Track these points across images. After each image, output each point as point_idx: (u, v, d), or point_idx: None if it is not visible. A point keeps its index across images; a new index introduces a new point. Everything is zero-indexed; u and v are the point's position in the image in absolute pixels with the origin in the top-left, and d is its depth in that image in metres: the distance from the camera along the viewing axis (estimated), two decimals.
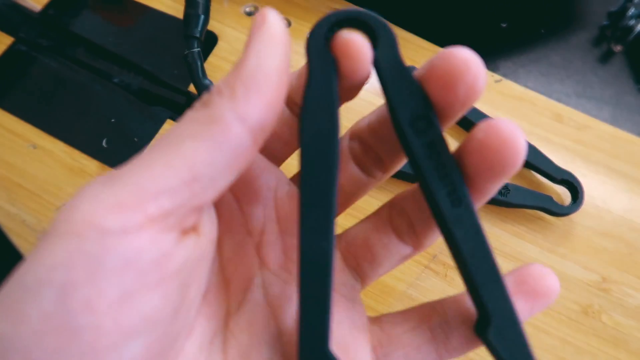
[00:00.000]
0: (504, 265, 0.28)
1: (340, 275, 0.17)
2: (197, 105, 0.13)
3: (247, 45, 0.13)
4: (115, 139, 0.31)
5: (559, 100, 0.35)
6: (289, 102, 0.16)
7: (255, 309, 0.16)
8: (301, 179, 0.14)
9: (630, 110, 0.36)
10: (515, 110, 0.34)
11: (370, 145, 0.17)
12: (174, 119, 0.32)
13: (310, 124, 0.14)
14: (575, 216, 0.30)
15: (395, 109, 0.14)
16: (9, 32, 0.34)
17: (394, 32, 0.14)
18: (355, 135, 0.17)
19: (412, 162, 0.15)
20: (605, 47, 0.39)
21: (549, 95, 0.36)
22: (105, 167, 0.30)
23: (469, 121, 0.31)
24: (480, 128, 0.13)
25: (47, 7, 0.35)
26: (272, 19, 0.13)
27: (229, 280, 0.16)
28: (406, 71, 0.14)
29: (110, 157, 0.31)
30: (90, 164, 0.30)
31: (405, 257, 0.17)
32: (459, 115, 0.14)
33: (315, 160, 0.14)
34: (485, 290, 0.14)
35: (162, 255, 0.12)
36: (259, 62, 0.12)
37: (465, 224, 0.14)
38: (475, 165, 0.14)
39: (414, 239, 0.17)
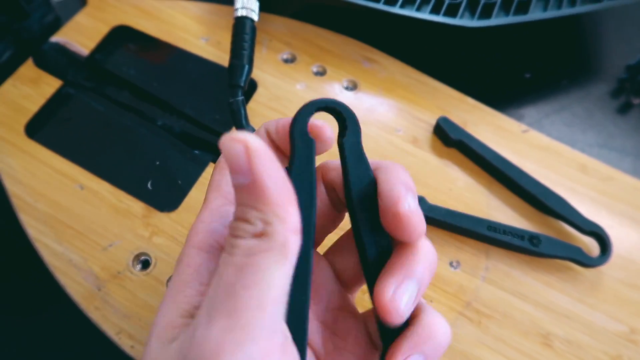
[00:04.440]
0: (535, 313, 0.29)
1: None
2: (252, 240, 0.15)
3: (252, 171, 0.15)
4: (159, 181, 0.32)
5: (581, 150, 0.37)
6: None
7: None
8: None
9: None
10: (541, 161, 0.35)
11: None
12: (216, 162, 0.33)
13: (296, 183, 0.18)
14: (603, 267, 0.31)
15: (349, 185, 0.19)
16: (57, 75, 0.36)
17: (358, 122, 0.20)
18: (329, 184, 0.22)
19: (354, 225, 0.20)
20: (624, 99, 0.40)
21: (571, 145, 0.37)
22: (151, 208, 0.31)
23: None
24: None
25: (93, 52, 0.37)
26: (254, 143, 0.15)
27: None
28: (363, 156, 0.20)
29: (155, 199, 0.32)
30: (135, 205, 0.31)
31: None
32: None
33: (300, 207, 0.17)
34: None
35: None
36: (275, 181, 0.15)
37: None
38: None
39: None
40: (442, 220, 0.30)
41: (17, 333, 0.31)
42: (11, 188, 0.32)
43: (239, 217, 0.15)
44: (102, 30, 0.38)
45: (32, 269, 0.31)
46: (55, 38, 0.37)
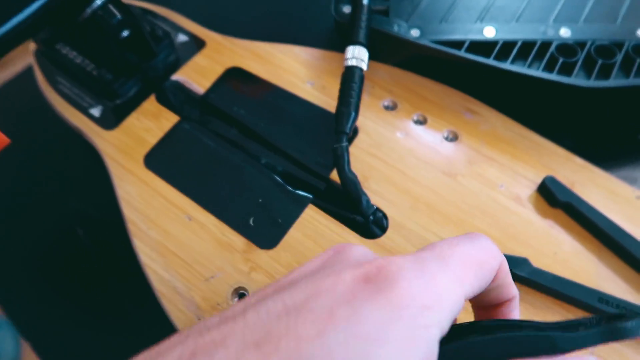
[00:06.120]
0: None
1: None
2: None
3: None
4: (261, 219, 0.34)
5: None
6: None
7: None
8: None
9: None
10: None
11: None
12: (315, 203, 0.34)
13: None
14: None
15: None
16: (175, 111, 0.39)
17: None
18: None
19: None
20: None
21: None
22: (251, 244, 0.33)
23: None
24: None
25: (209, 91, 0.40)
26: None
27: None
28: None
29: (256, 235, 0.33)
30: (237, 240, 0.33)
31: None
32: None
33: None
34: None
35: None
36: None
37: None
38: None
39: None
40: (547, 286, 0.29)
41: (118, 351, 0.33)
42: (128, 214, 0.34)
43: None
44: (218, 70, 0.41)
45: (141, 293, 0.33)
46: (175, 76, 0.41)
